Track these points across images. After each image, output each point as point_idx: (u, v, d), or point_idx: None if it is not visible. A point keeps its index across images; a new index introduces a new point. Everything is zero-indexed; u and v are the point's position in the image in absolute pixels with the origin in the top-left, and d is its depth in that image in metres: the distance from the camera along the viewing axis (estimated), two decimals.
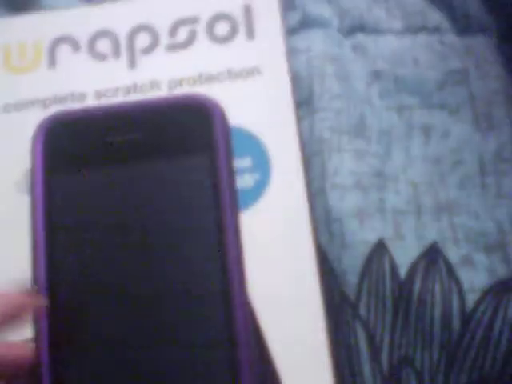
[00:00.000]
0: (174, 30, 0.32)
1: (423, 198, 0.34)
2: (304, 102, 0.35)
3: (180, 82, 0.31)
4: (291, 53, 0.34)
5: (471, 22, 0.38)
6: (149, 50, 0.32)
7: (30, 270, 0.27)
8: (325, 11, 0.38)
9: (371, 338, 0.31)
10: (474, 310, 0.31)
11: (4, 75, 0.32)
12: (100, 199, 0.27)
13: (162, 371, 0.25)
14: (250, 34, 0.32)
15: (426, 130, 0.35)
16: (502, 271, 0.32)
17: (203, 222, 0.27)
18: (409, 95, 0.36)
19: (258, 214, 0.28)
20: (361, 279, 0.31)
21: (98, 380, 0.25)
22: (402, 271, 0.32)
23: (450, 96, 0.36)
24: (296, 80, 0.34)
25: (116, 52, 0.32)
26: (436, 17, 0.39)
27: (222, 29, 0.32)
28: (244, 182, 0.29)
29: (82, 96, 0.31)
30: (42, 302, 0.25)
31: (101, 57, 0.32)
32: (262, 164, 0.29)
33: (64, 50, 0.32)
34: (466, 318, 0.31)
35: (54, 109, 0.30)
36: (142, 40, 0.32)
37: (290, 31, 0.37)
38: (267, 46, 0.32)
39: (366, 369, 0.31)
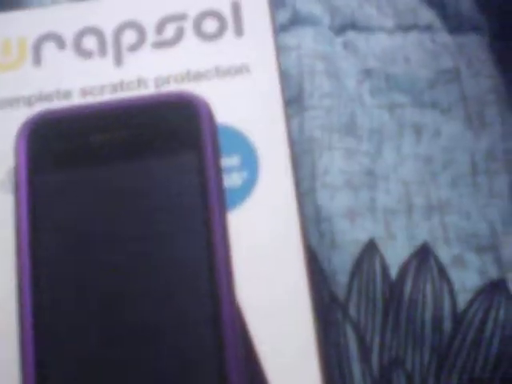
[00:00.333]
0: (161, 27, 0.32)
1: (414, 198, 0.33)
2: (294, 100, 0.35)
3: (167, 80, 0.31)
4: (281, 50, 0.34)
5: (463, 21, 0.38)
6: (135, 47, 0.31)
7: (15, 270, 0.26)
8: (315, 8, 0.38)
9: (361, 339, 0.31)
10: (466, 311, 0.31)
11: None
12: (86, 198, 0.27)
13: (149, 373, 0.25)
14: (239, 31, 0.31)
15: (418, 129, 0.35)
16: (493, 272, 0.32)
17: (190, 221, 0.26)
18: (400, 94, 0.36)
19: (246, 213, 0.28)
20: (351, 279, 0.31)
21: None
22: (393, 271, 0.31)
23: (441, 95, 0.36)
24: (286, 78, 0.34)
25: (102, 49, 0.31)
26: (428, 15, 0.38)
27: (210, 26, 0.32)
28: (232, 180, 0.29)
29: (68, 94, 0.30)
30: None
31: (87, 54, 0.31)
32: (251, 163, 0.29)
33: (49, 47, 0.31)
34: (458, 319, 0.31)
35: (39, 106, 0.30)
36: (129, 37, 0.31)
37: (280, 28, 0.36)
38: (256, 44, 0.31)
39: (356, 370, 0.30)
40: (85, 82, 0.31)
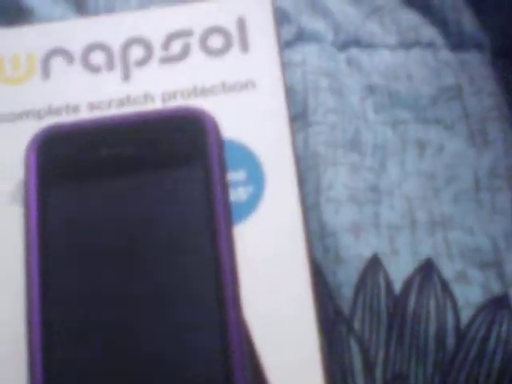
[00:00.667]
0: (167, 43, 0.32)
1: (418, 213, 0.33)
2: (298, 116, 0.35)
3: (174, 95, 0.31)
4: (286, 66, 0.34)
5: (465, 38, 0.38)
6: (142, 62, 0.32)
7: (24, 281, 0.27)
8: (320, 25, 0.38)
9: (365, 353, 0.31)
10: (469, 326, 0.31)
11: None
12: (94, 211, 0.27)
13: (156, 380, 0.25)
14: (245, 47, 0.32)
15: (421, 145, 0.35)
16: (496, 288, 0.32)
17: (197, 235, 0.27)
18: (403, 110, 0.36)
19: (252, 228, 0.28)
20: (355, 294, 0.31)
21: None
22: (397, 286, 0.31)
23: (444, 111, 0.36)
24: (291, 94, 0.34)
25: (110, 64, 0.32)
26: (430, 32, 0.39)
27: (216, 42, 0.32)
28: (238, 195, 0.29)
29: (76, 108, 0.31)
30: None
31: (94, 69, 0.32)
32: (257, 177, 0.29)
33: (58, 62, 0.32)
34: (461, 334, 0.31)
35: (49, 120, 0.30)
36: (136, 53, 0.32)
37: (285, 45, 0.37)
38: (262, 59, 0.31)
39: None
40: (92, 96, 0.31)
